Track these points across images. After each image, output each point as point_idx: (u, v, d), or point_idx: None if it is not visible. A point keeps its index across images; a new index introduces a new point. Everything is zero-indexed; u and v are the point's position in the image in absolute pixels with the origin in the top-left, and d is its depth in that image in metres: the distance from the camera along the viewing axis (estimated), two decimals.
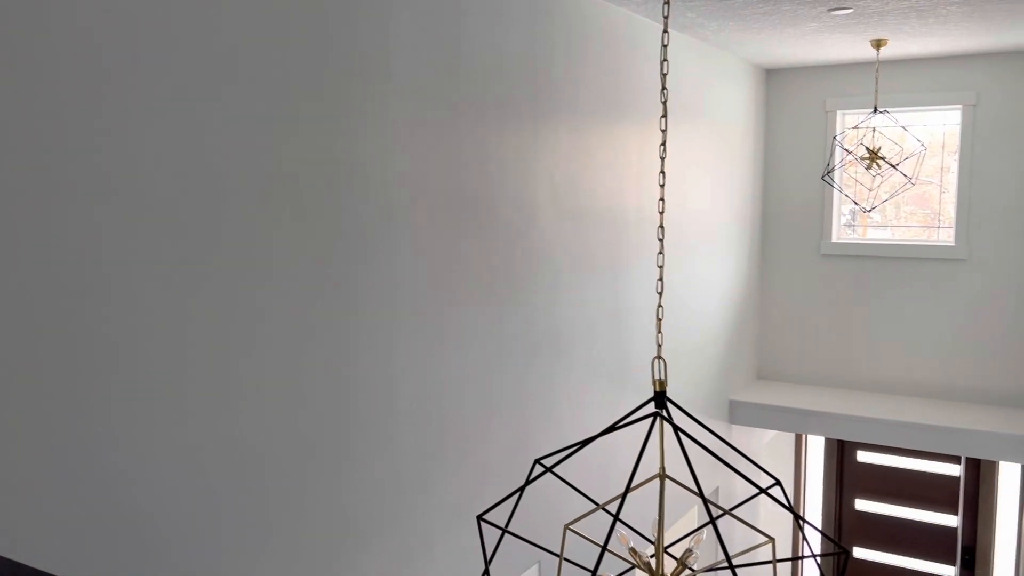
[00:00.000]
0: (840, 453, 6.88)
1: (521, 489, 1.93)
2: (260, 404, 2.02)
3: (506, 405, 2.93)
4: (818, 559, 1.76)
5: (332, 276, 2.20)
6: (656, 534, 1.89)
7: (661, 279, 1.75)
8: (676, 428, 1.75)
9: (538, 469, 2.03)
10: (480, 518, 1.93)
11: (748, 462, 2.16)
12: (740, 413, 5.16)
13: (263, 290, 2.01)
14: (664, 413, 1.81)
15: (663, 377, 1.84)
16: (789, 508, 1.88)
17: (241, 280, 1.96)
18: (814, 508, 6.95)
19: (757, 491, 1.88)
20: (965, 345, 5.00)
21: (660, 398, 1.82)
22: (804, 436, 7.00)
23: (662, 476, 1.87)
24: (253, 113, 1.96)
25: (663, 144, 1.64)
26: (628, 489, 1.71)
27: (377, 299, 2.34)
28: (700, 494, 1.75)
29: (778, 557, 2.01)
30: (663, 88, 1.49)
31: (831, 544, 1.90)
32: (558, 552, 2.10)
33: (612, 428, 1.91)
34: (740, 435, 5.36)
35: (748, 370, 5.52)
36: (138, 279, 1.75)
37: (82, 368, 1.66)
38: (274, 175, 2.02)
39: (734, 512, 1.89)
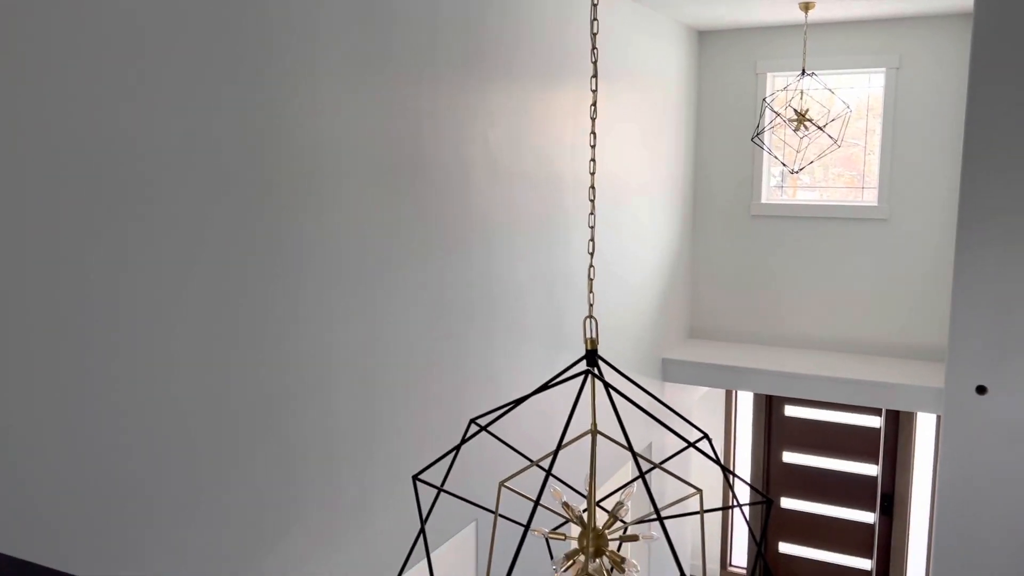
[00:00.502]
0: (768, 408, 7.10)
1: (456, 448, 1.95)
2: (191, 366, 1.99)
3: (442, 366, 2.94)
4: (743, 508, 1.83)
5: (261, 236, 2.16)
6: (588, 489, 1.93)
7: (592, 239, 1.77)
8: (607, 385, 1.79)
9: (473, 428, 2.05)
10: (415, 478, 1.95)
11: (678, 418, 2.21)
12: (672, 371, 5.28)
13: (191, 250, 1.97)
14: (596, 371, 1.85)
15: (594, 336, 1.87)
16: (716, 460, 1.94)
17: (171, 242, 1.91)
18: (743, 461, 7.19)
19: (686, 445, 1.95)
20: (886, 302, 5.19)
21: (592, 356, 1.85)
22: (734, 392, 7.20)
23: (593, 432, 1.91)
24: (175, 76, 1.90)
25: (593, 104, 1.65)
26: (560, 446, 1.74)
27: (307, 259, 2.32)
28: (630, 449, 1.80)
29: (706, 508, 2.09)
30: (593, 48, 1.49)
31: (758, 494, 1.97)
32: (494, 509, 2.13)
33: (544, 387, 1.94)
34: (673, 392, 5.48)
35: (680, 329, 5.63)
36: (71, 241, 1.69)
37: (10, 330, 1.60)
38: (199, 135, 1.97)
39: (663, 466, 1.95)
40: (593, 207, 1.79)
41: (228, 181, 2.05)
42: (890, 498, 6.66)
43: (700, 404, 6.89)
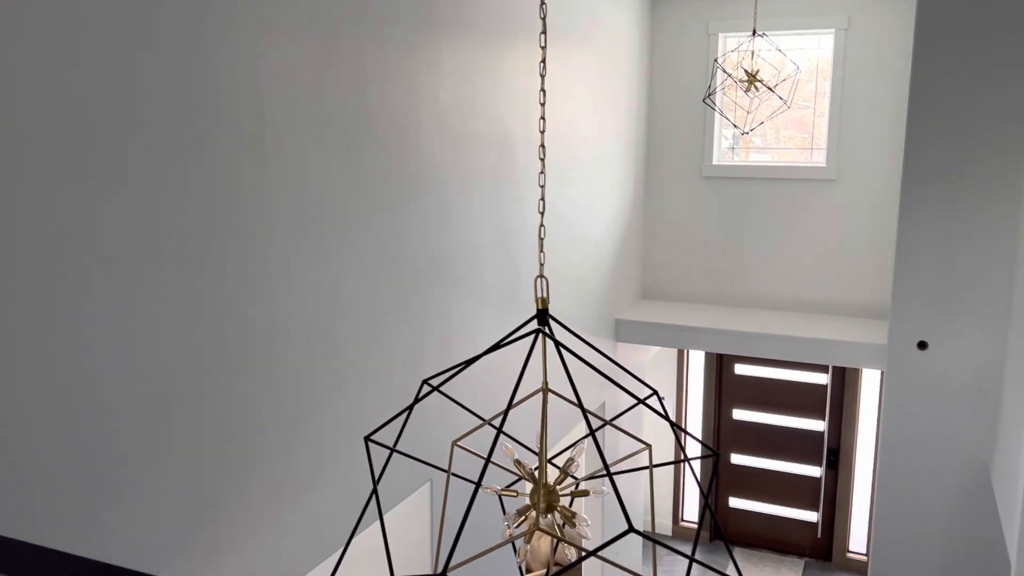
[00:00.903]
0: (719, 366, 7.24)
1: (408, 409, 1.95)
2: (134, 328, 1.95)
3: (395, 327, 2.93)
4: (691, 462, 1.87)
5: (204, 193, 2.11)
6: (540, 446, 1.95)
7: (543, 198, 1.76)
8: (557, 344, 1.80)
9: (425, 389, 2.05)
10: (367, 439, 1.94)
11: (629, 376, 2.25)
12: (625, 331, 5.33)
13: (128, 205, 1.91)
14: (546, 330, 1.86)
15: (545, 295, 1.88)
16: (665, 416, 1.97)
17: (111, 201, 1.86)
18: (695, 419, 7.33)
19: (636, 402, 1.97)
20: (834, 262, 5.30)
21: (543, 316, 1.86)
22: (686, 351, 7.32)
23: (544, 391, 1.93)
24: (111, 27, 1.83)
25: (542, 61, 1.63)
26: (510, 404, 1.75)
27: (252, 218, 2.27)
28: (580, 406, 1.81)
29: (655, 463, 2.12)
30: (542, 3, 1.47)
31: (706, 449, 2.01)
32: (446, 468, 2.14)
33: (495, 347, 1.94)
34: (626, 352, 5.55)
35: (633, 289, 5.68)
36: (9, 197, 1.63)
37: None
38: (135, 89, 1.91)
39: (614, 423, 1.98)
40: (543, 166, 1.78)
41: (166, 134, 2.00)
42: (836, 452, 6.87)
43: (652, 364, 6.99)
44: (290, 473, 2.46)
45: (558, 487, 1.94)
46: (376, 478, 1.88)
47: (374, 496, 1.84)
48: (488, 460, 1.71)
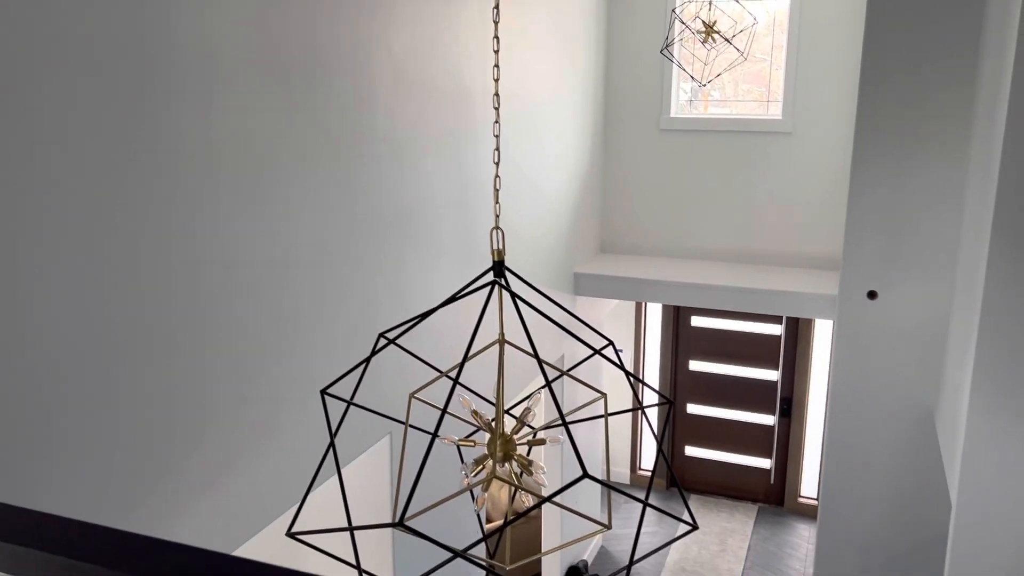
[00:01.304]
0: (676, 319, 7.33)
1: (365, 361, 1.95)
2: (87, 278, 1.90)
3: (352, 281, 2.91)
4: (645, 410, 1.90)
5: (146, 146, 2.06)
6: (497, 397, 1.97)
7: (497, 148, 1.75)
8: (513, 295, 1.80)
9: (382, 342, 2.05)
10: (323, 392, 1.94)
11: (586, 328, 2.26)
12: (584, 284, 5.36)
13: (70, 153, 1.86)
14: (502, 282, 1.86)
15: (501, 247, 1.87)
16: (620, 366, 1.99)
17: (45, 147, 1.80)
18: (652, 370, 7.44)
19: (592, 352, 1.99)
20: (789, 214, 5.36)
21: (498, 267, 1.86)
22: (644, 304, 7.40)
23: (501, 342, 1.94)
24: None
25: (496, 7, 1.60)
26: (466, 355, 1.76)
27: (202, 170, 2.22)
28: (536, 357, 1.83)
29: (611, 411, 2.15)
30: None
31: (661, 397, 2.05)
32: (404, 421, 2.15)
33: (451, 299, 1.94)
34: (584, 305, 5.59)
35: (591, 243, 5.70)
36: None
37: None
38: (77, 31, 1.84)
39: (570, 373, 2.00)
40: (498, 115, 1.76)
41: (108, 81, 1.93)
42: (789, 401, 7.04)
43: (611, 317, 7.06)
44: (245, 428, 2.45)
45: (515, 437, 1.96)
46: (333, 431, 1.88)
47: (332, 449, 1.84)
48: (444, 411, 1.72)
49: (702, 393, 7.41)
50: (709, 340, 7.30)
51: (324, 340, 2.77)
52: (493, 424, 1.94)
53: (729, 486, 7.45)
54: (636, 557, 1.78)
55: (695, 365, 7.37)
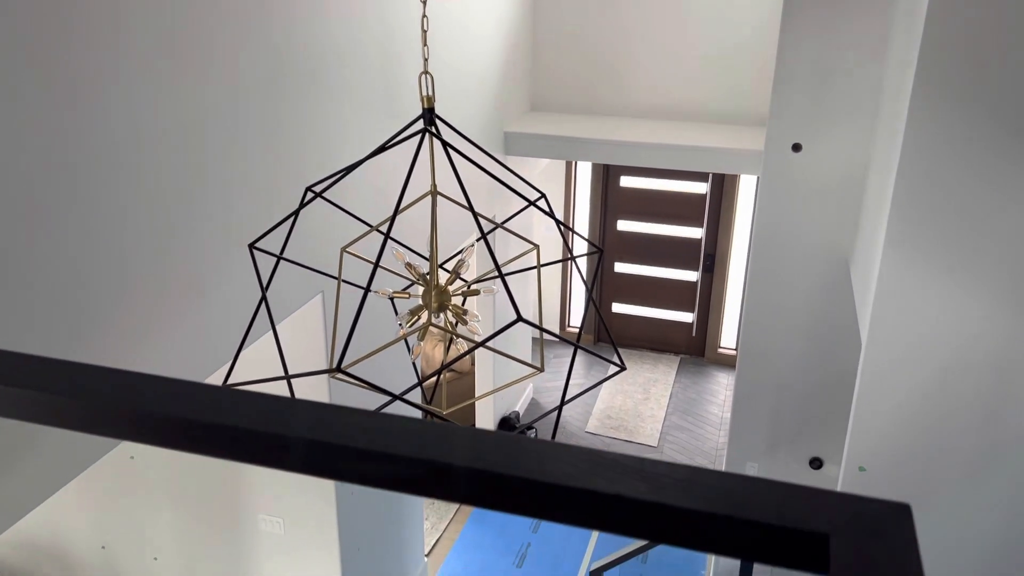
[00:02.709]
0: (605, 179, 7.37)
1: (293, 214, 1.91)
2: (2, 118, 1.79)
3: (276, 135, 2.81)
4: (576, 260, 1.93)
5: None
6: (430, 249, 1.97)
7: None
8: (444, 143, 1.77)
9: (310, 195, 2.00)
10: (251, 246, 1.91)
11: (517, 179, 2.25)
12: (514, 144, 5.31)
13: None
14: (433, 129, 1.82)
15: (431, 93, 1.82)
16: (551, 215, 2.01)
17: None
18: (582, 231, 7.54)
19: (525, 204, 2.00)
20: (715, 69, 5.33)
21: (429, 115, 1.82)
22: (574, 164, 7.39)
23: (433, 193, 1.92)
24: None
25: None
26: (397, 208, 1.74)
27: (109, 24, 2.07)
28: (470, 208, 1.82)
29: (543, 262, 2.19)
30: None
31: (591, 247, 2.09)
32: (337, 275, 2.14)
33: (381, 149, 1.90)
34: (515, 165, 5.55)
35: (522, 101, 5.60)
36: None
37: None
38: None
39: (504, 225, 2.01)
40: None
41: None
42: (712, 258, 7.26)
43: (542, 177, 7.05)
44: (169, 287, 2.40)
45: (449, 288, 1.98)
46: (264, 285, 1.87)
47: (264, 303, 1.83)
48: (376, 264, 1.71)
49: (629, 252, 7.57)
50: (637, 200, 7.39)
51: (250, 198, 2.69)
52: (428, 277, 1.95)
53: (654, 340, 7.76)
54: (568, 397, 1.85)
55: (623, 225, 7.48)
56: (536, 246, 2.12)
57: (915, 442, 2.75)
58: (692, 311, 7.54)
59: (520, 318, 1.47)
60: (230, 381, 1.71)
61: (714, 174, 6.90)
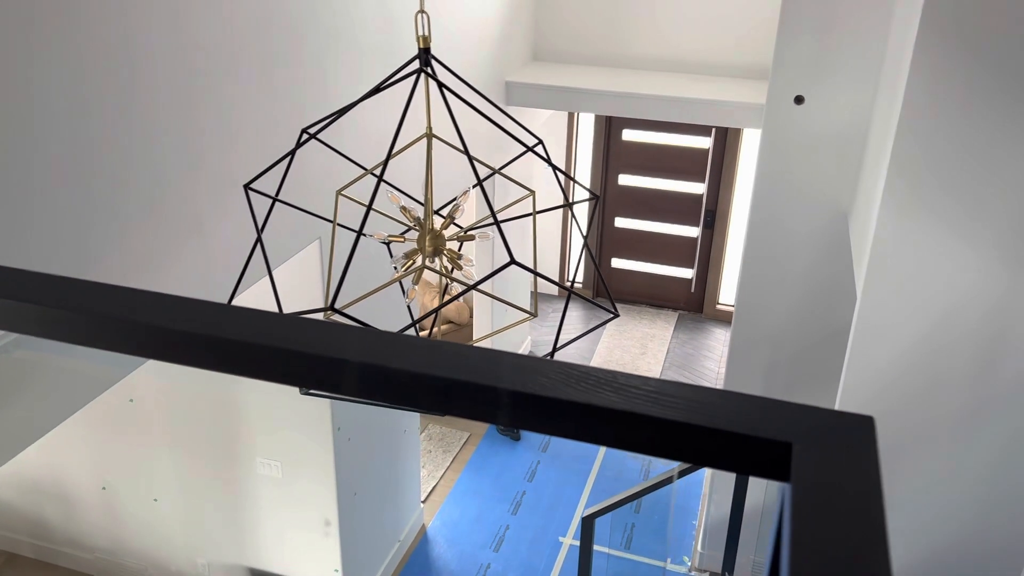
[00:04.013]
0: (607, 132, 7.31)
1: (288, 155, 1.91)
2: None
3: (273, 77, 2.79)
4: (572, 205, 1.93)
5: None
6: (425, 193, 1.97)
7: None
8: (440, 84, 1.76)
9: (305, 137, 1.99)
10: (246, 187, 1.91)
11: (516, 125, 2.23)
12: (515, 94, 5.26)
13: None
14: (428, 70, 1.80)
15: (427, 33, 1.80)
16: (548, 161, 2.00)
17: None
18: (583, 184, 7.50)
19: (524, 150, 1.99)
20: (722, 21, 5.26)
21: (424, 55, 1.80)
22: (576, 116, 7.32)
23: (429, 136, 1.91)
24: None
25: None
26: (391, 151, 1.74)
27: None
28: (466, 152, 1.81)
29: (540, 209, 2.18)
30: None
31: (589, 194, 2.08)
32: (332, 219, 2.13)
33: (376, 90, 1.88)
34: (516, 116, 5.50)
35: (524, 51, 5.54)
36: None
37: None
38: None
39: (502, 171, 2.00)
40: None
41: None
42: (713, 214, 7.23)
43: (543, 130, 6.99)
44: (166, 224, 2.40)
45: (444, 232, 1.98)
46: (260, 227, 1.87)
47: (259, 244, 1.84)
48: (369, 207, 1.71)
49: (630, 207, 7.54)
50: (639, 154, 7.34)
51: (245, 138, 2.68)
52: (423, 220, 1.95)
53: (652, 295, 7.77)
54: (561, 343, 1.86)
55: (624, 179, 7.44)
56: (532, 192, 2.12)
57: (908, 395, 2.77)
58: (692, 267, 7.54)
59: (513, 260, 1.47)
60: None
61: (717, 129, 6.84)
